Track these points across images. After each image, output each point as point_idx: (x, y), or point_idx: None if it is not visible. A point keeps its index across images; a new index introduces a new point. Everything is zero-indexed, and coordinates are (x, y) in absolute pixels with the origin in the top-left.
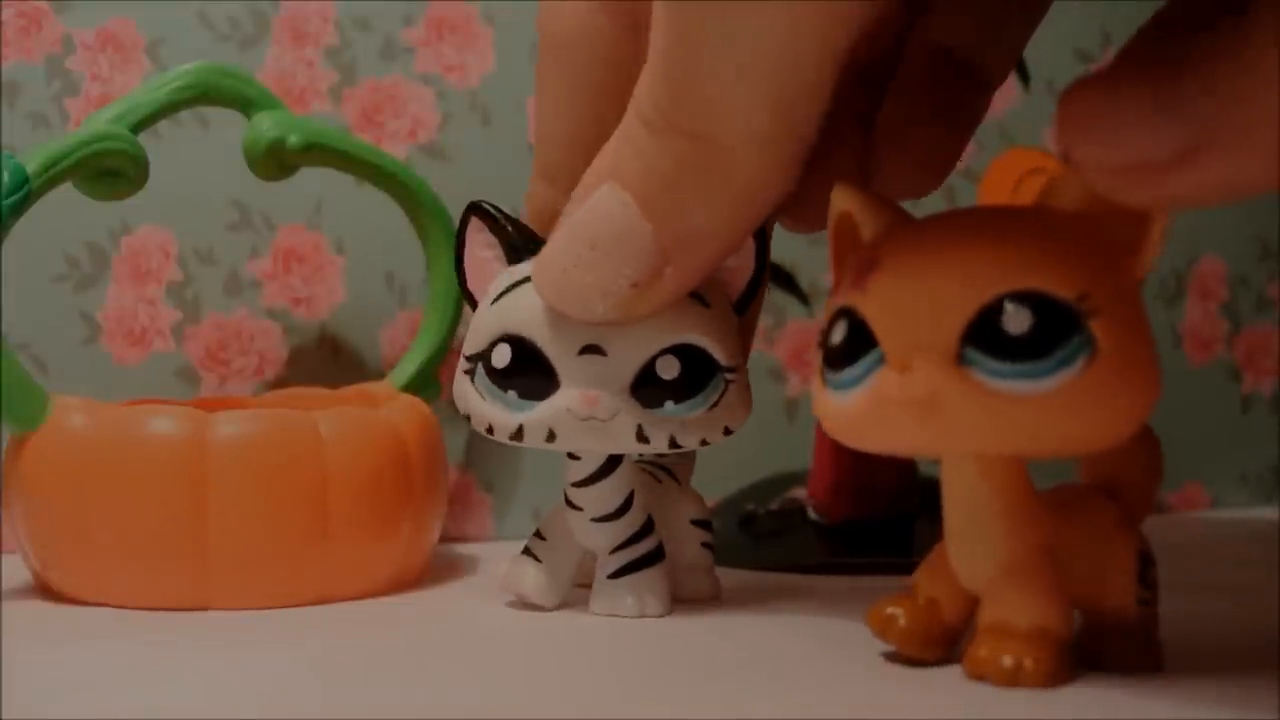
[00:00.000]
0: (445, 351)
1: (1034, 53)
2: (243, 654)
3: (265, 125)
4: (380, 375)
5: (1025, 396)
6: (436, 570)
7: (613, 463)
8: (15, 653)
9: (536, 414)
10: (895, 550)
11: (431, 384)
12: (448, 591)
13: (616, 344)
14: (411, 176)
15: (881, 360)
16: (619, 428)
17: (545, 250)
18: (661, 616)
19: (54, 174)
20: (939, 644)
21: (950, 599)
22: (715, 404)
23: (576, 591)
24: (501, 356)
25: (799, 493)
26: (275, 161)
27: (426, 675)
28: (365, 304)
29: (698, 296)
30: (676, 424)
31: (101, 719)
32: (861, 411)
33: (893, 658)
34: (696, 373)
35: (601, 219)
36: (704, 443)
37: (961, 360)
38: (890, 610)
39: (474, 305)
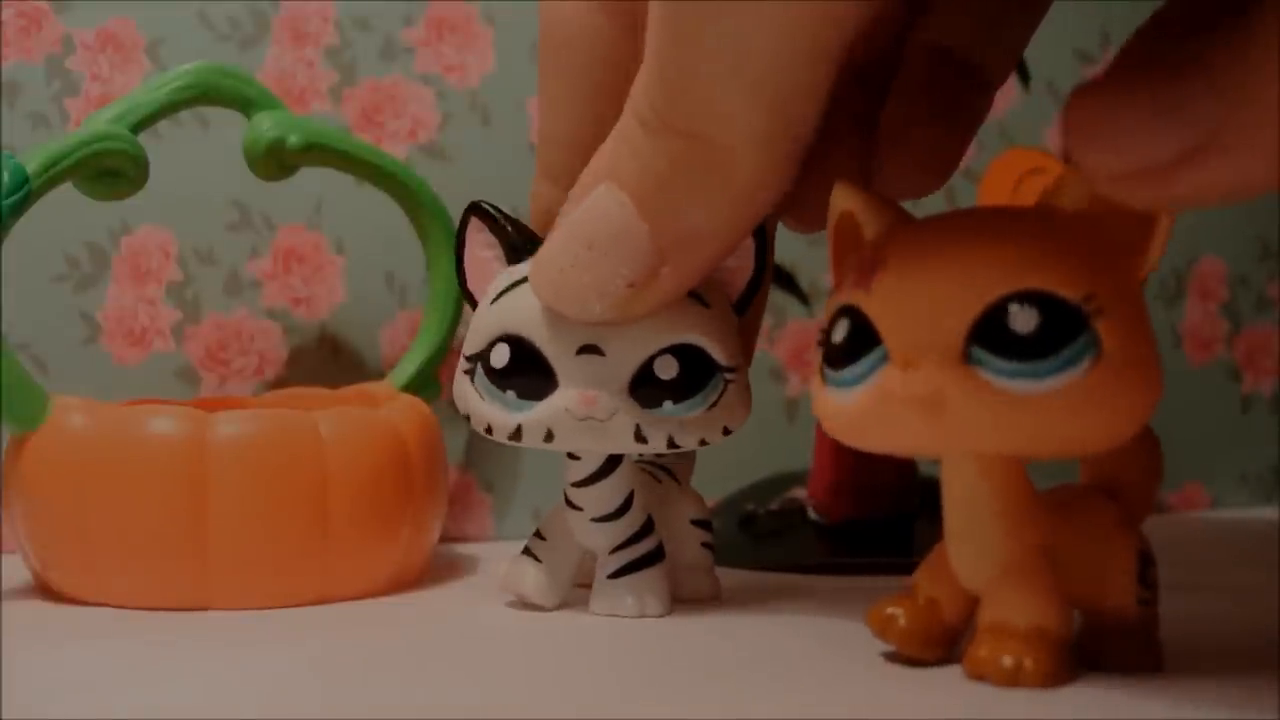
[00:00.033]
0: (445, 351)
1: (1034, 53)
2: (243, 654)
3: (265, 125)
4: (380, 375)
5: (1030, 396)
6: (436, 570)
7: (613, 463)
8: (15, 653)
9: (535, 414)
10: (895, 550)
11: (431, 384)
12: (448, 591)
13: (614, 344)
14: (411, 176)
15: (885, 358)
16: (617, 428)
17: (542, 250)
18: (661, 616)
19: (54, 174)
20: (939, 644)
21: (950, 599)
22: (714, 404)
23: (576, 591)
24: (500, 356)
25: (799, 493)
26: (275, 161)
27: (426, 675)
28: (365, 304)
29: (697, 296)
30: (675, 424)
31: (101, 719)
32: (863, 410)
33: (893, 658)
34: (695, 373)
35: (598, 219)
36: (703, 443)
37: (967, 359)
38: (890, 610)
39: (474, 305)
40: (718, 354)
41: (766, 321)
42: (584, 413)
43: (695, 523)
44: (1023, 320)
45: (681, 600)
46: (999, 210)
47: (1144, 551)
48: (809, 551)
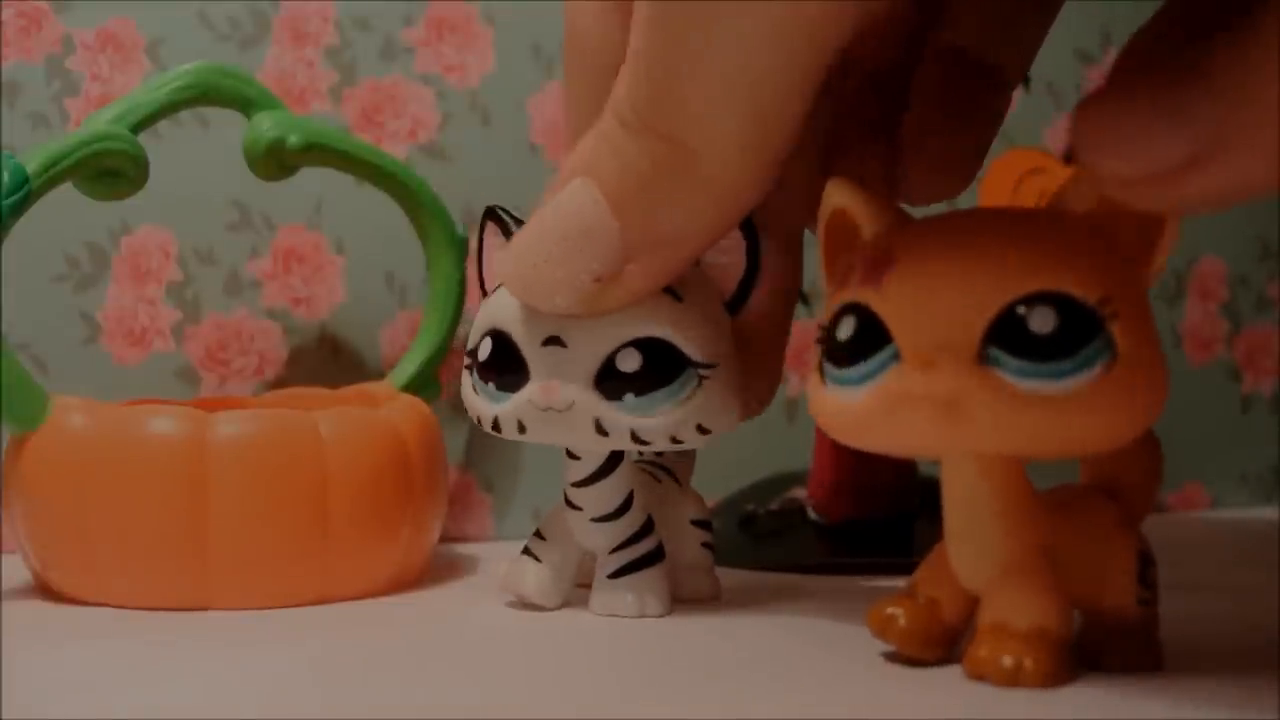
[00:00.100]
0: (445, 351)
1: None
2: (243, 654)
3: (265, 125)
4: (380, 375)
5: (1046, 397)
6: (436, 570)
7: (612, 463)
8: (15, 653)
9: (509, 405)
10: (895, 550)
11: (431, 384)
12: (448, 591)
13: (576, 336)
14: (411, 176)
15: (895, 357)
16: (577, 419)
17: (514, 241)
18: (661, 616)
19: (54, 174)
20: (939, 644)
21: (950, 599)
22: (686, 400)
23: (576, 591)
24: (485, 350)
25: (799, 493)
26: (275, 161)
27: (426, 675)
28: (365, 304)
29: (670, 290)
30: (638, 418)
31: (101, 719)
32: (870, 409)
33: (893, 658)
34: (660, 367)
35: (572, 214)
36: (675, 440)
37: (984, 359)
38: (890, 610)
39: None
40: (690, 349)
41: None
42: (544, 403)
43: (695, 523)
44: (1041, 320)
45: (681, 600)
46: (1009, 211)
47: (1144, 551)
48: (809, 551)
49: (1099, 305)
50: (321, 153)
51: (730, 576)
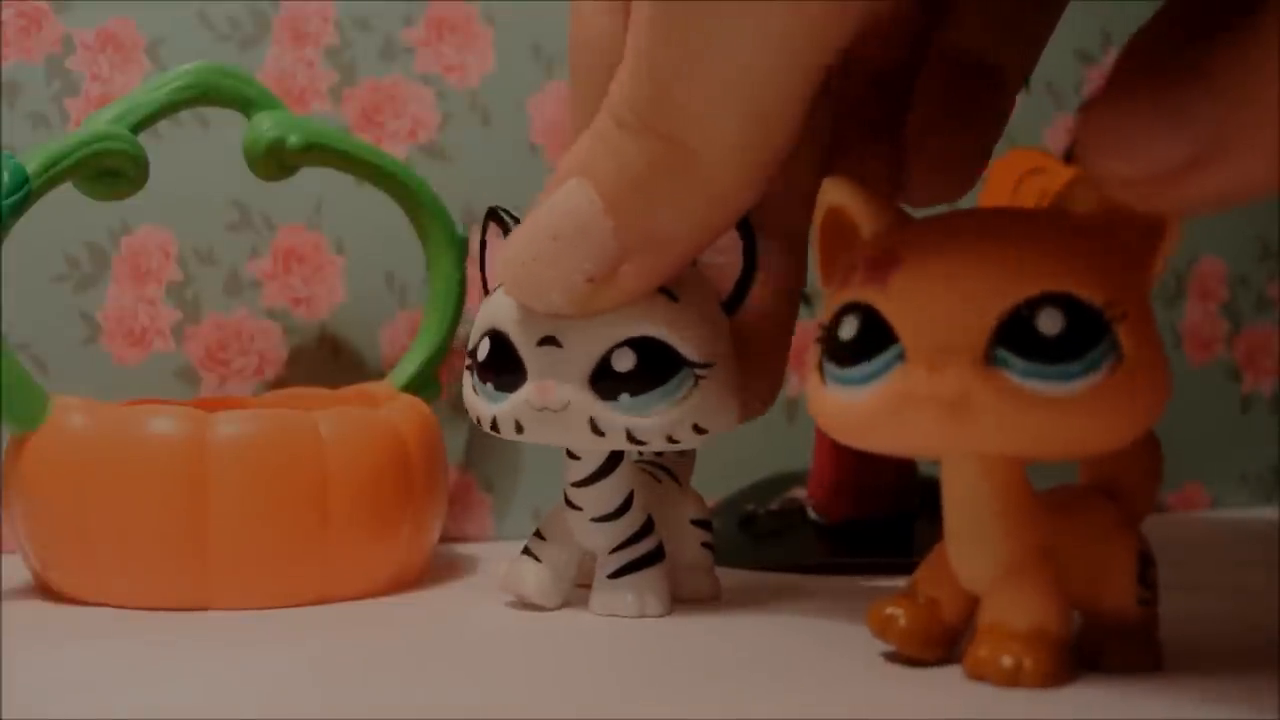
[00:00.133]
0: (445, 351)
1: None
2: (243, 654)
3: (265, 125)
4: (380, 375)
5: (1052, 398)
6: (436, 570)
7: (612, 463)
8: (15, 653)
9: (506, 406)
10: (895, 550)
11: (431, 384)
12: (448, 591)
13: (571, 336)
14: (411, 176)
15: (900, 357)
16: (573, 419)
17: (510, 239)
18: (661, 616)
19: (54, 174)
20: (939, 644)
21: (950, 599)
22: (682, 400)
23: (576, 591)
24: (484, 350)
25: (799, 493)
26: (275, 161)
27: (426, 675)
28: (365, 304)
29: (665, 290)
30: (634, 418)
31: (101, 719)
32: (874, 409)
33: (893, 658)
34: (656, 367)
35: (567, 213)
36: (672, 440)
37: (991, 360)
38: (890, 610)
39: None
40: (685, 349)
41: None
42: (539, 402)
43: (695, 523)
44: (1049, 322)
45: (681, 600)
46: (1013, 212)
47: (1144, 552)
48: (809, 551)
49: (1105, 307)
50: (321, 153)
51: (730, 576)
